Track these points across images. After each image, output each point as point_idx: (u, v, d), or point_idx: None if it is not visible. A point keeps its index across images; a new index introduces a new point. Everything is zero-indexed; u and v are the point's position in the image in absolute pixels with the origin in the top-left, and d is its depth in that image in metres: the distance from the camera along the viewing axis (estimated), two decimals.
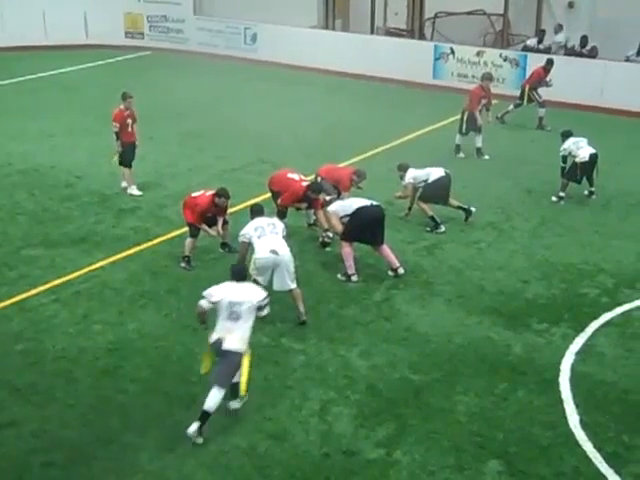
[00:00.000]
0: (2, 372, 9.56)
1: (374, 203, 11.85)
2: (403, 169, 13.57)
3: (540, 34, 21.99)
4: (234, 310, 8.40)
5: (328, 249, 12.54)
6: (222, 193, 11.86)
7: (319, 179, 13.06)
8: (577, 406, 8.94)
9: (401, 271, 11.74)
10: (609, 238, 13.23)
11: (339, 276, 11.78)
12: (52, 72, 23.90)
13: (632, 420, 8.77)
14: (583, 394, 9.17)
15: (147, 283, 11.67)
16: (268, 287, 10.30)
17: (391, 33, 24.76)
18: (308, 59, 23.87)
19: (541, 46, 21.77)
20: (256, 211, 11.05)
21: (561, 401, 9.05)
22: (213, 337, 8.42)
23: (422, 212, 13.41)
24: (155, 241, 12.95)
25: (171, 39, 26.96)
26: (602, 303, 11.18)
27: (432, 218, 13.26)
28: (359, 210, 11.74)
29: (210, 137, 18.16)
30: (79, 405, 8.97)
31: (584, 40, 21.28)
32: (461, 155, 17.00)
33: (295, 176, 12.80)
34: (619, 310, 10.99)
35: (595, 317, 10.78)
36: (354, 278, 11.72)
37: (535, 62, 20.22)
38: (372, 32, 24.71)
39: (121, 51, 26.47)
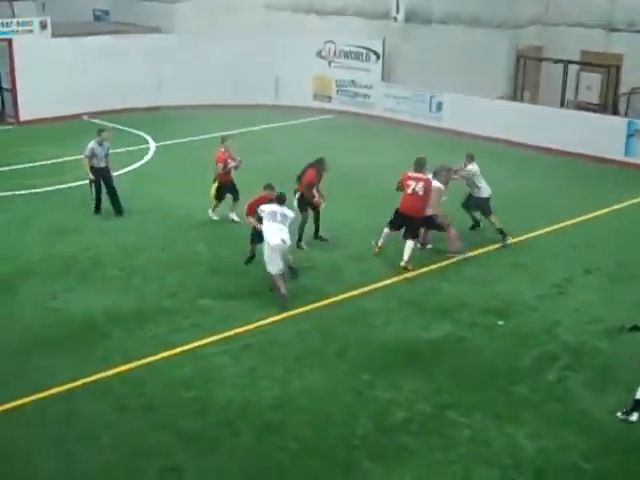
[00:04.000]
0: (170, 416, 9.79)
1: None
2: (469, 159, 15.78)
3: None
4: None
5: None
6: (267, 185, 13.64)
7: None
8: None
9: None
10: None
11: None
12: (242, 130, 24.75)
13: None
14: None
15: (316, 342, 11.68)
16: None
17: (581, 107, 24.12)
18: (493, 130, 23.60)
19: None
20: (279, 198, 13.03)
21: None
22: None
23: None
24: (326, 301, 12.95)
25: (357, 103, 27.47)
26: None
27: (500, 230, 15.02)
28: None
29: (383, 200, 18.04)
30: (240, 458, 9.01)
31: None
32: None
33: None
34: None
35: None
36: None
37: None
38: (562, 105, 24.19)
39: (308, 113, 27.20)
